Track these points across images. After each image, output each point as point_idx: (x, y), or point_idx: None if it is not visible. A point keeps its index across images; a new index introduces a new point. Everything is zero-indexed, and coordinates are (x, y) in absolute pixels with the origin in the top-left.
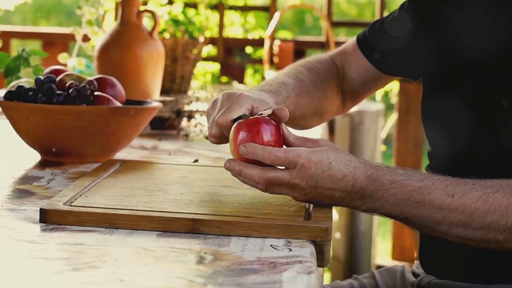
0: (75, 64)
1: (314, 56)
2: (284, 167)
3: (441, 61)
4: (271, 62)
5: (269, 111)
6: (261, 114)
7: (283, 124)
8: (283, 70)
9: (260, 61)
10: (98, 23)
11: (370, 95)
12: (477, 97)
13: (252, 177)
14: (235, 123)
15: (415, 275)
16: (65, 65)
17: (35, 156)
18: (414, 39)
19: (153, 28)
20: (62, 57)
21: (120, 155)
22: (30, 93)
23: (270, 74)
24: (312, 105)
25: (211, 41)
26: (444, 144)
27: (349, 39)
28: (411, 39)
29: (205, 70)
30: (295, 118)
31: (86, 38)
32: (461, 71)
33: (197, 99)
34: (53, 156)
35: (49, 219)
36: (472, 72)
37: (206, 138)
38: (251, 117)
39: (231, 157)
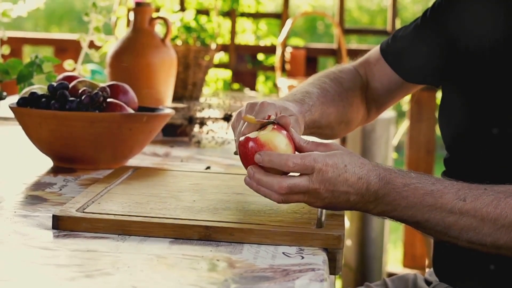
0: (80, 71)
1: (337, 67)
2: (299, 173)
3: (463, 68)
4: (283, 69)
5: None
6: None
7: (292, 129)
8: (306, 81)
9: (272, 68)
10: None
11: (394, 103)
12: (497, 103)
13: (271, 186)
14: (242, 138)
15: (428, 283)
16: (72, 71)
17: (48, 163)
18: (436, 47)
19: (166, 35)
20: (67, 63)
21: (133, 161)
22: (43, 99)
23: (282, 81)
24: (338, 114)
25: (223, 48)
26: (461, 150)
27: (360, 47)
28: (434, 47)
29: (217, 77)
30: (321, 127)
31: (95, 45)
32: (483, 78)
33: (209, 106)
34: (66, 162)
35: (62, 225)
36: (493, 79)
37: (235, 153)
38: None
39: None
